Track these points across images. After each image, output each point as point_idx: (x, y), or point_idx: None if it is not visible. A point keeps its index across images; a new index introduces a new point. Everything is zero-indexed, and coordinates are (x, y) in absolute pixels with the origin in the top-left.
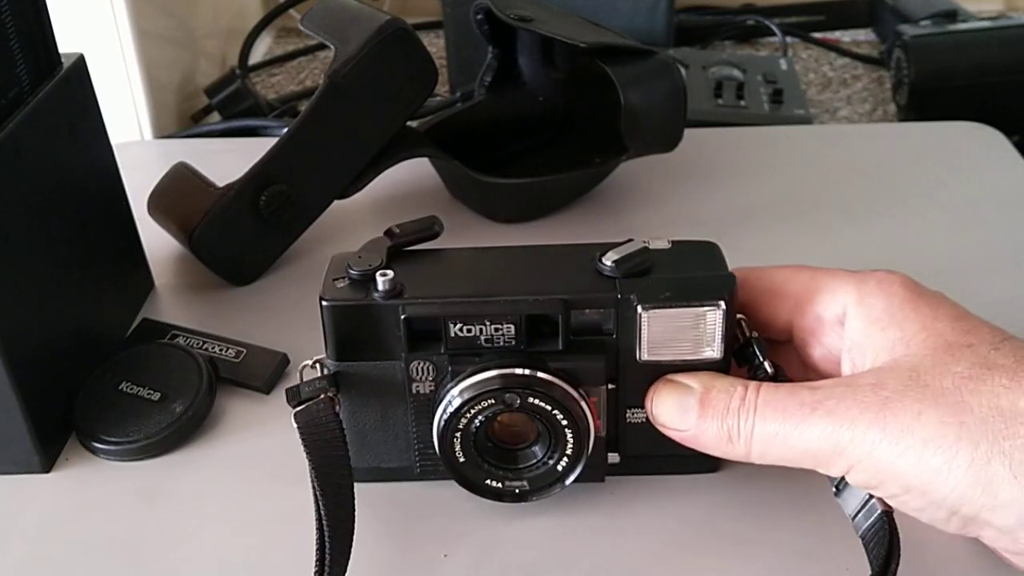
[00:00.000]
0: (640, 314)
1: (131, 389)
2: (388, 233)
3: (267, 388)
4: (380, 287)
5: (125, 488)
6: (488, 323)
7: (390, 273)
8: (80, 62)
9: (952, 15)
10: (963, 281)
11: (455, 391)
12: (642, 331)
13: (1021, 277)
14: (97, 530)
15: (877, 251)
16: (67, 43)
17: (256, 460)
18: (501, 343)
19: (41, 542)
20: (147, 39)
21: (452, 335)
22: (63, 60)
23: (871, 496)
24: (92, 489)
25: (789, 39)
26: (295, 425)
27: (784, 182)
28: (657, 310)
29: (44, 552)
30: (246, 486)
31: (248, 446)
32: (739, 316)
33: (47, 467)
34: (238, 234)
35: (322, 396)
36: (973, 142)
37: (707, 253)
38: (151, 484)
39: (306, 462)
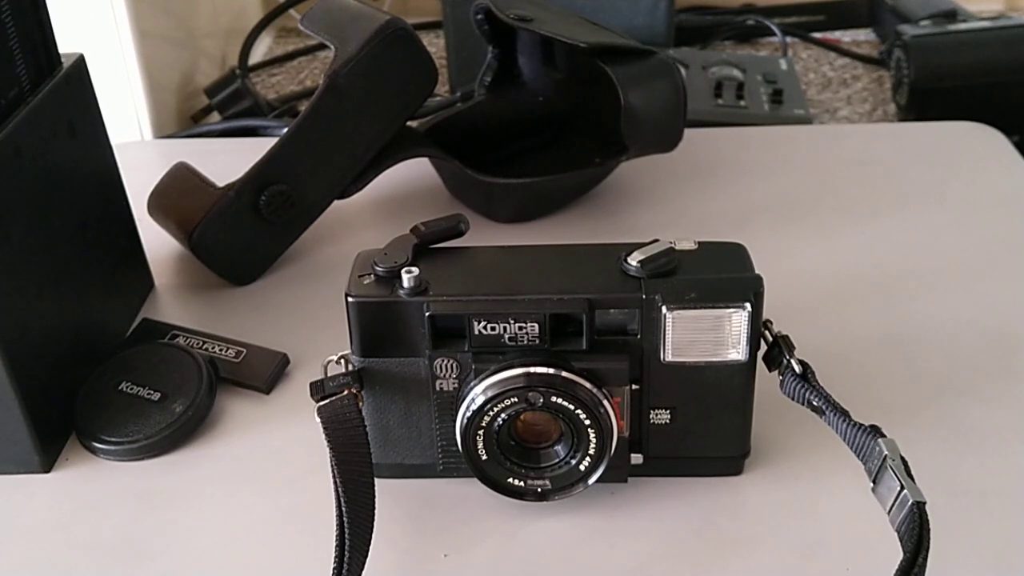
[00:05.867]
0: (665, 315)
1: (131, 389)
2: (414, 230)
3: (267, 388)
4: (405, 284)
5: (125, 488)
6: (512, 321)
7: (415, 270)
8: (80, 62)
9: (952, 15)
10: (963, 281)
11: (478, 389)
12: (667, 332)
13: (1021, 277)
14: (97, 530)
15: (877, 251)
16: (67, 43)
17: (256, 460)
18: (525, 342)
19: (41, 542)
20: (147, 39)
21: (476, 333)
22: (63, 60)
23: (903, 488)
24: (92, 489)
25: (789, 39)
26: (318, 419)
27: (784, 182)
28: (682, 311)
29: (44, 552)
30: (246, 486)
31: (248, 446)
32: (765, 318)
33: (47, 467)
34: (238, 234)
35: (346, 392)
36: (973, 142)
37: (733, 255)
38: (151, 484)
39: (327, 457)
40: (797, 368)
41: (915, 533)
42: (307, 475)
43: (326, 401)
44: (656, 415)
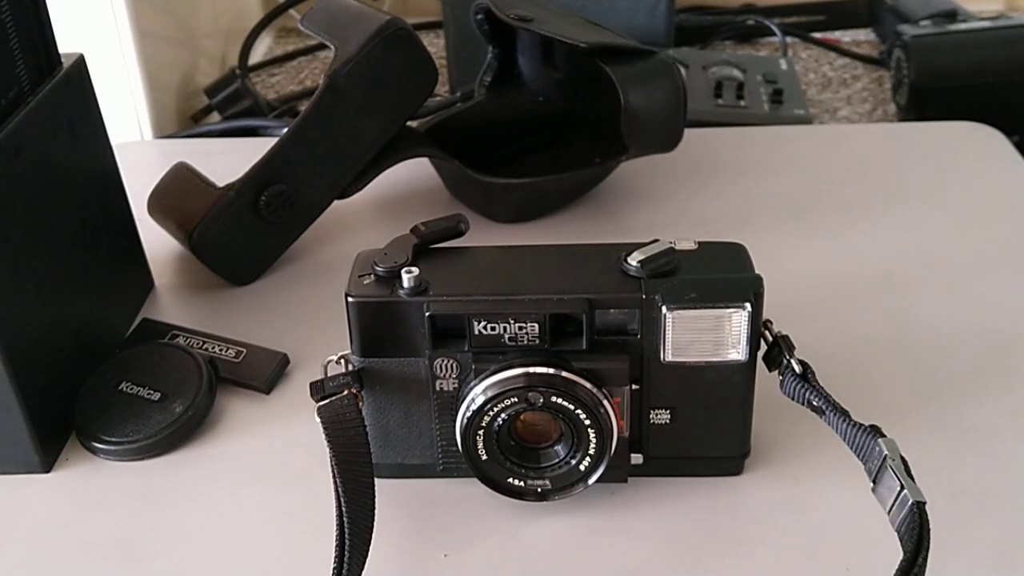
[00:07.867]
0: (665, 315)
1: (131, 389)
2: (414, 230)
3: (267, 388)
4: (405, 284)
5: (125, 488)
6: (512, 321)
7: (415, 270)
8: (80, 62)
9: (952, 15)
10: (963, 281)
11: (478, 389)
12: (667, 332)
13: (1021, 277)
14: (97, 530)
15: (877, 251)
16: (67, 43)
17: (256, 460)
18: (525, 342)
19: (41, 542)
20: (147, 39)
21: (476, 333)
22: (63, 60)
23: (903, 487)
24: (92, 489)
25: (789, 39)
26: (318, 419)
27: (784, 182)
28: (682, 311)
29: (44, 552)
30: (246, 486)
31: (248, 446)
32: (765, 318)
33: (47, 467)
34: (238, 234)
35: (346, 392)
36: (973, 142)
37: (733, 255)
38: (151, 484)
39: (327, 457)
40: (797, 368)
41: (915, 533)
42: (307, 475)
43: (326, 401)
44: (656, 415)
